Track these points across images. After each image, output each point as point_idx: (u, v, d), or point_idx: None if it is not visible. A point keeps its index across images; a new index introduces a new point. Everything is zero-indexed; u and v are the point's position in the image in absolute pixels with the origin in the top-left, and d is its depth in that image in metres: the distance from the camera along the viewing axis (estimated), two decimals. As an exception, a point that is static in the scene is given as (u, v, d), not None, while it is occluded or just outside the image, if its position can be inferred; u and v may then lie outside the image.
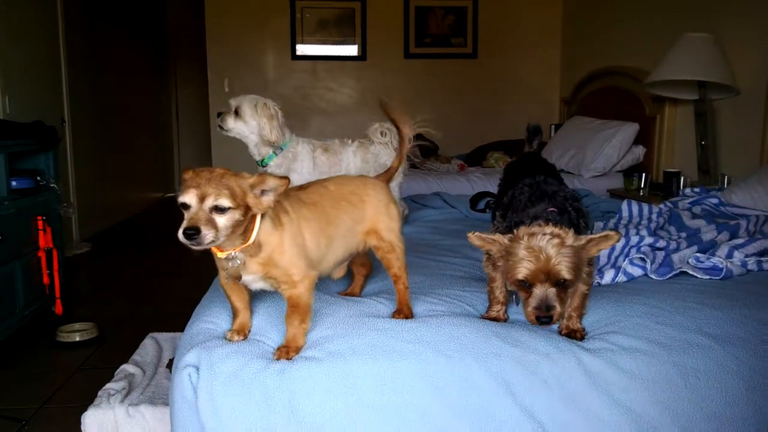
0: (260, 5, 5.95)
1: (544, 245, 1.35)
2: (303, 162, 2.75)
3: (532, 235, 1.38)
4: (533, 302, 1.38)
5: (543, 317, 1.37)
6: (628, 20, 4.83)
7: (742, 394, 1.41)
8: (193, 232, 1.24)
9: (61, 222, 3.65)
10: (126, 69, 6.98)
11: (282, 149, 2.74)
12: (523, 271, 1.37)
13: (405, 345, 1.41)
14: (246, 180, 1.32)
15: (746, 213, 2.77)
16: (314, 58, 6.07)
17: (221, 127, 2.76)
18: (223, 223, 1.27)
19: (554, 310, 1.37)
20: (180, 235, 1.25)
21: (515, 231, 1.41)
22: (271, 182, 1.33)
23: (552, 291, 1.37)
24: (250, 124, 2.70)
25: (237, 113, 2.71)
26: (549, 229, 1.38)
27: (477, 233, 1.46)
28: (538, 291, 1.37)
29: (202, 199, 1.26)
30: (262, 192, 1.33)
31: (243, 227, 1.33)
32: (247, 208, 1.31)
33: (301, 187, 1.56)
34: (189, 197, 1.27)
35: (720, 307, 1.61)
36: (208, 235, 1.25)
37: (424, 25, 6.05)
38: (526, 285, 1.39)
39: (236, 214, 1.29)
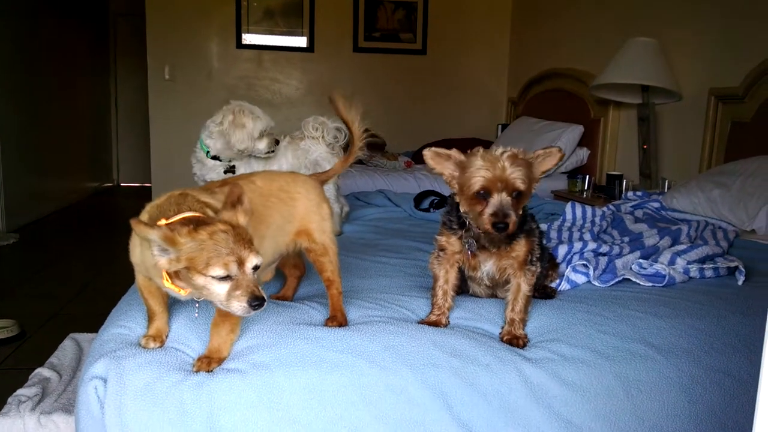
0: (204, -9, 5.75)
1: (499, 156, 1.40)
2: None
3: (487, 150, 1.42)
4: (490, 209, 1.39)
5: (500, 223, 1.38)
6: (575, 23, 4.85)
7: (684, 406, 1.37)
8: (258, 302, 1.16)
9: (-19, 212, 3.43)
10: (61, 53, 6.66)
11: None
12: (480, 180, 1.39)
13: (336, 355, 1.32)
14: (243, 224, 1.22)
15: (687, 218, 2.79)
16: (260, 48, 5.90)
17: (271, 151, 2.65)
18: (257, 274, 1.20)
19: (510, 217, 1.38)
20: (241, 308, 1.16)
21: (470, 150, 1.46)
22: (248, 205, 1.25)
23: (507, 199, 1.39)
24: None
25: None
26: (501, 147, 1.43)
27: (433, 149, 1.47)
28: (495, 199, 1.39)
29: (241, 263, 1.16)
30: None
31: None
32: None
33: (225, 183, 1.44)
34: (232, 268, 1.16)
35: (663, 316, 1.58)
36: (266, 299, 1.18)
37: (374, 19, 5.95)
38: (482, 195, 1.40)
39: None
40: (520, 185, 1.39)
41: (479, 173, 1.39)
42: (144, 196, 1.24)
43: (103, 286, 3.86)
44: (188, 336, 1.38)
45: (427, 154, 1.47)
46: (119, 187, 8.38)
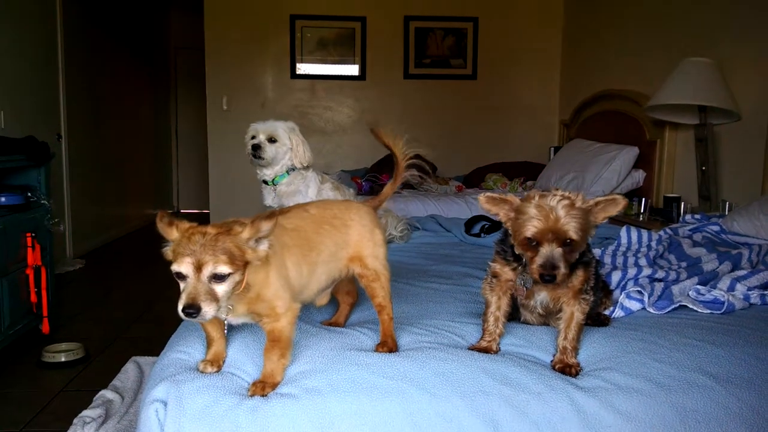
0: (260, 24, 5.94)
1: (554, 205, 1.39)
2: (310, 187, 2.81)
3: (543, 196, 1.41)
4: (539, 260, 1.40)
5: (547, 275, 1.39)
6: (628, 43, 4.79)
7: (745, 438, 1.32)
8: (193, 311, 1.16)
9: (52, 239, 3.59)
10: (126, 86, 6.98)
11: (294, 170, 2.82)
12: (531, 229, 1.39)
13: (387, 381, 1.33)
14: (241, 236, 1.22)
15: (748, 242, 2.70)
16: (313, 77, 6.05)
17: (258, 157, 2.77)
18: (223, 291, 1.20)
19: (558, 270, 1.39)
20: (180, 312, 1.17)
21: (527, 192, 1.46)
22: (265, 227, 1.24)
23: (558, 251, 1.39)
24: (285, 149, 2.78)
25: (271, 140, 2.75)
26: (559, 192, 1.42)
27: (488, 194, 1.49)
28: (545, 250, 1.39)
29: (198, 268, 1.18)
30: (257, 240, 1.25)
31: (242, 283, 1.25)
32: (245, 265, 1.23)
33: (281, 212, 1.49)
34: (184, 267, 1.18)
35: (721, 345, 1.54)
36: (208, 311, 1.18)
37: (424, 46, 6.03)
38: (533, 243, 1.40)
39: (236, 277, 1.21)
40: (573, 235, 1.38)
41: (530, 222, 1.39)
42: (203, 222, 1.30)
43: (164, 310, 3.98)
44: (244, 361, 1.42)
45: (482, 199, 1.48)
46: (179, 214, 8.65)
